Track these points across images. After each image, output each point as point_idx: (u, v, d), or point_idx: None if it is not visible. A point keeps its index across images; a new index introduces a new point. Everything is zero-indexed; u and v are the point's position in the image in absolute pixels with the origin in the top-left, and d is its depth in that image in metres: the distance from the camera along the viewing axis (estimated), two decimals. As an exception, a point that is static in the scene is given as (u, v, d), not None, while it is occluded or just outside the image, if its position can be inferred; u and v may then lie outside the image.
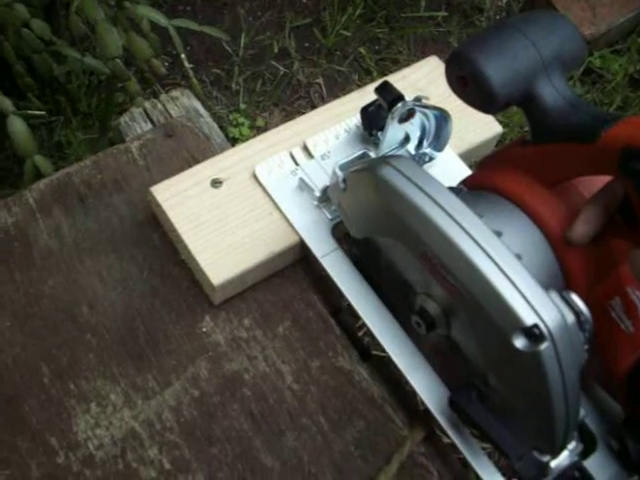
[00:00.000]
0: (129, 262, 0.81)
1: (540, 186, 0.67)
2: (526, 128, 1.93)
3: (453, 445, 0.72)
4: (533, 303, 0.55)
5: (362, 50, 2.09)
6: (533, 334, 0.55)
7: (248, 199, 0.82)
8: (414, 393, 0.74)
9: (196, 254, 0.77)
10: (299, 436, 0.74)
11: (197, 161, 0.87)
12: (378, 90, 0.80)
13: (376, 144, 0.85)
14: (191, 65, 1.87)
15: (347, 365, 0.78)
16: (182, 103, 0.98)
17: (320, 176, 0.83)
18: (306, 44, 2.10)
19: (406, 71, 0.95)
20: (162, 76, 1.37)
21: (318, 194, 0.81)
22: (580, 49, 0.68)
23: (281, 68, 2.03)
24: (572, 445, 0.69)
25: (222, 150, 0.90)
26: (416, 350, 0.76)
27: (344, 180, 0.72)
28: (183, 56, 1.24)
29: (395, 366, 0.75)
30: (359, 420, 0.75)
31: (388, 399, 0.77)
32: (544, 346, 0.55)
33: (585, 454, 0.72)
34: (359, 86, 1.99)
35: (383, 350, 0.76)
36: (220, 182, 0.82)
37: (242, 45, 2.05)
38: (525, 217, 0.68)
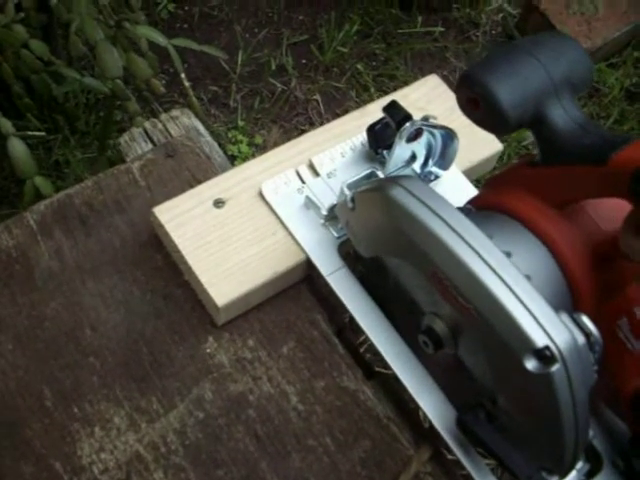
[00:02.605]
0: (132, 283, 0.81)
1: (549, 207, 0.67)
2: (524, 143, 1.94)
3: (459, 463, 0.72)
4: (544, 325, 0.55)
5: (359, 66, 2.10)
6: (544, 356, 0.54)
7: (251, 219, 0.81)
8: (419, 412, 0.74)
9: (200, 275, 0.77)
10: (305, 457, 0.73)
11: (199, 181, 0.87)
12: (386, 109, 0.80)
13: (382, 162, 0.85)
14: (189, 83, 1.87)
15: (352, 385, 0.77)
16: (182, 122, 0.97)
17: (326, 194, 0.83)
18: (303, 61, 2.10)
19: (406, 90, 0.95)
20: (161, 95, 1.37)
21: (324, 212, 0.81)
22: (588, 71, 0.68)
23: (279, 85, 2.03)
24: (579, 465, 0.69)
25: (223, 169, 0.90)
26: (423, 369, 0.75)
27: (352, 199, 0.72)
28: (183, 76, 1.24)
29: (401, 385, 0.75)
30: (365, 440, 0.75)
31: (393, 418, 0.76)
32: (555, 368, 0.54)
33: (591, 474, 0.72)
34: (357, 102, 2.00)
35: (388, 368, 0.75)
36: (223, 202, 0.82)
37: (239, 62, 2.05)
38: (534, 238, 0.67)
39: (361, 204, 0.71)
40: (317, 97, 2.02)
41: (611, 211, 0.65)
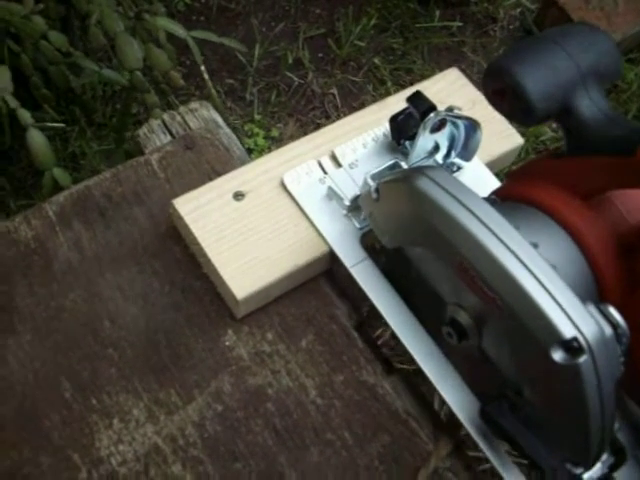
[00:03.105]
0: (150, 275, 0.81)
1: (575, 198, 0.67)
2: (542, 138, 1.93)
3: (479, 458, 0.72)
4: (572, 316, 0.55)
5: (376, 60, 2.09)
6: (572, 347, 0.54)
7: (271, 212, 0.81)
8: (439, 406, 0.74)
9: (219, 268, 0.76)
10: (323, 451, 0.73)
11: (217, 173, 0.87)
12: (410, 99, 0.80)
13: (404, 153, 0.84)
14: (208, 76, 1.87)
15: (371, 379, 0.77)
16: (201, 115, 0.97)
17: (349, 185, 0.83)
18: (320, 54, 2.10)
19: (426, 83, 0.95)
20: (179, 87, 1.37)
21: (347, 203, 0.80)
22: (616, 63, 0.68)
23: (295, 78, 2.03)
24: (604, 457, 0.68)
25: (242, 162, 0.90)
26: (446, 360, 0.75)
27: (377, 190, 0.71)
28: (203, 68, 1.23)
29: (422, 377, 0.74)
30: (384, 435, 0.74)
31: (413, 413, 0.76)
32: (583, 359, 0.54)
33: (615, 467, 0.71)
34: (374, 96, 1.99)
35: (407, 362, 0.75)
36: (242, 195, 0.81)
37: (256, 56, 2.05)
38: (560, 229, 0.67)
39: (386, 195, 0.71)
40: (334, 91, 2.02)
41: (637, 202, 0.66)
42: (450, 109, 0.79)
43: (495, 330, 0.63)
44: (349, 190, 0.82)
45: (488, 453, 0.71)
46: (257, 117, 1.93)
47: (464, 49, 2.17)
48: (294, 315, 0.80)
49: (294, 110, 1.97)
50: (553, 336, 0.55)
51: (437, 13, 2.20)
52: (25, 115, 0.99)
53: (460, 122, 0.81)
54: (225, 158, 0.90)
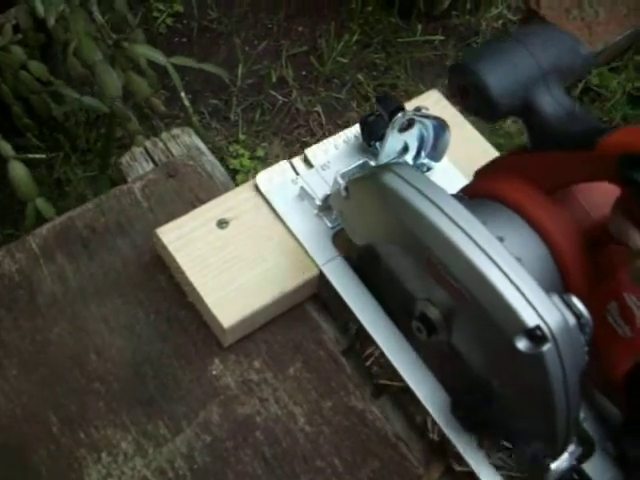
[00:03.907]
0: (135, 306, 0.80)
1: (540, 193, 0.68)
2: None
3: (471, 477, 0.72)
4: (535, 305, 0.56)
5: (360, 76, 2.09)
6: (535, 336, 0.56)
7: (255, 239, 0.81)
8: (431, 426, 0.74)
9: (205, 296, 0.76)
10: (314, 479, 0.72)
11: (201, 201, 0.87)
12: (379, 100, 0.82)
13: (375, 154, 0.85)
14: (189, 95, 1.86)
15: (360, 404, 0.77)
16: (183, 141, 0.97)
17: (320, 185, 0.84)
18: (303, 72, 2.10)
19: (406, 105, 0.94)
20: (162, 113, 1.37)
21: (319, 203, 0.82)
22: (579, 61, 0.69)
23: (279, 97, 2.03)
24: (572, 448, 0.68)
25: (226, 188, 0.90)
26: (417, 357, 0.76)
27: (346, 188, 0.73)
28: (183, 94, 1.23)
29: (411, 396, 0.75)
30: (373, 460, 0.74)
31: (402, 437, 0.75)
32: (546, 347, 0.56)
33: (583, 458, 0.71)
34: (358, 113, 1.99)
35: (395, 379, 0.75)
36: (226, 222, 0.81)
37: (239, 75, 2.04)
38: (525, 224, 0.68)
39: (355, 192, 0.72)
40: (318, 108, 2.02)
41: (601, 197, 0.66)
42: (418, 109, 0.80)
43: (464, 325, 0.64)
44: (321, 190, 0.83)
45: (459, 447, 0.72)
46: (242, 137, 1.92)
47: (447, 62, 2.17)
48: (281, 342, 0.79)
49: (279, 129, 1.97)
50: (517, 325, 0.56)
51: (419, 27, 2.21)
52: (6, 147, 0.98)
53: (428, 122, 0.82)
54: (208, 185, 0.90)
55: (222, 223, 0.81)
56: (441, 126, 0.82)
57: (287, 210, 0.83)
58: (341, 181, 0.74)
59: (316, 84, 2.07)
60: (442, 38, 2.22)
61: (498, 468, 0.72)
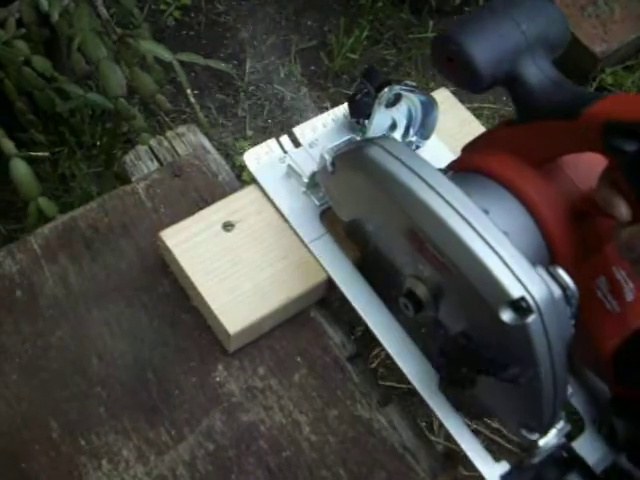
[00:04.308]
0: (138, 310, 0.79)
1: (526, 166, 0.68)
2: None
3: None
4: (520, 276, 0.56)
5: (369, 73, 2.07)
6: (520, 307, 0.56)
7: (262, 242, 0.80)
8: (437, 430, 0.74)
9: (210, 302, 0.75)
10: (318, 490, 0.71)
11: (206, 201, 0.85)
12: (364, 75, 0.81)
13: (363, 132, 0.85)
14: (195, 91, 1.85)
15: (366, 413, 0.75)
16: (189, 140, 0.95)
17: (308, 163, 0.84)
18: (312, 67, 2.08)
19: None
20: (167, 110, 1.35)
21: (306, 180, 0.81)
22: (564, 31, 0.70)
23: (287, 92, 2.01)
24: (560, 425, 0.68)
25: (231, 188, 0.88)
26: (405, 334, 0.76)
27: (332, 163, 0.73)
28: (189, 91, 1.21)
29: (420, 400, 0.73)
30: (380, 471, 0.73)
31: (409, 447, 0.74)
32: (531, 319, 0.55)
33: (573, 436, 0.72)
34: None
35: (402, 382, 0.74)
36: (232, 225, 0.80)
37: (247, 70, 2.03)
38: (512, 197, 0.68)
39: (340, 166, 0.72)
40: (327, 104, 2.00)
41: (588, 169, 0.66)
42: (405, 83, 0.80)
43: (450, 300, 0.64)
44: (308, 168, 0.83)
45: (447, 424, 0.71)
46: (249, 133, 1.90)
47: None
48: (286, 348, 0.78)
49: (286, 125, 1.95)
50: (502, 297, 0.56)
51: (430, 23, 2.18)
52: (8, 145, 0.97)
53: (415, 97, 0.82)
54: (213, 185, 0.88)
55: (228, 226, 0.80)
56: (430, 102, 0.82)
57: (275, 188, 0.83)
58: (327, 157, 0.74)
59: (325, 80, 2.05)
60: (453, 34, 2.20)
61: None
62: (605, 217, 0.62)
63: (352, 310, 0.77)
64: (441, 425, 0.73)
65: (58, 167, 1.63)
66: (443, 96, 0.95)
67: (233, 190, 0.86)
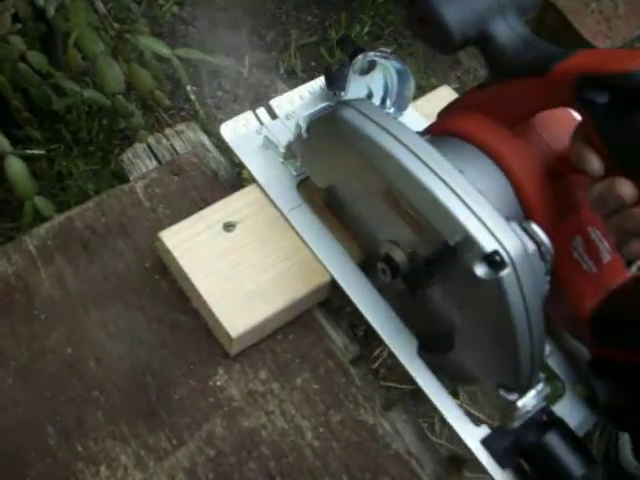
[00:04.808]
0: (137, 312, 0.77)
1: (499, 127, 0.69)
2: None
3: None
4: (494, 231, 0.57)
5: (370, 68, 2.05)
6: (494, 261, 0.56)
7: (264, 242, 0.78)
8: (439, 430, 0.73)
9: (211, 304, 0.73)
10: (321, 497, 0.70)
11: (205, 200, 0.84)
12: (339, 43, 0.84)
13: None
14: (194, 87, 1.83)
15: (369, 418, 0.74)
16: (188, 137, 0.93)
17: (285, 135, 0.84)
18: (313, 63, 2.06)
19: (419, 102, 0.93)
20: (166, 107, 1.33)
21: (282, 150, 0.82)
22: None
23: (287, 88, 1.99)
24: (539, 387, 0.68)
25: (231, 186, 0.87)
26: (385, 303, 0.76)
27: (308, 130, 0.74)
28: (189, 88, 1.20)
29: (424, 400, 0.73)
30: (384, 477, 0.71)
31: (414, 453, 0.73)
32: (505, 272, 0.56)
33: (553, 400, 0.73)
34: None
35: (407, 380, 0.74)
36: (233, 225, 0.78)
37: (247, 65, 2.01)
38: (486, 157, 0.69)
39: (315, 131, 0.74)
40: (327, 100, 1.98)
41: (561, 129, 0.67)
42: (380, 50, 0.81)
43: (425, 259, 0.64)
44: (285, 140, 0.83)
45: (426, 390, 0.71)
46: (249, 129, 1.88)
47: (460, 55, 2.13)
48: (288, 351, 0.76)
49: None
50: (475, 251, 0.57)
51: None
52: (3, 143, 0.95)
53: (390, 65, 0.82)
54: (213, 184, 0.87)
55: (228, 226, 0.78)
56: (405, 71, 0.83)
57: (251, 159, 0.84)
58: (303, 124, 0.75)
59: (325, 75, 2.03)
60: (454, 29, 2.18)
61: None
62: (579, 175, 0.63)
63: (355, 310, 0.76)
64: (443, 426, 0.73)
65: (54, 164, 1.62)
66: (446, 92, 0.95)
67: (234, 189, 0.84)
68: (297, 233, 0.78)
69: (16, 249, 0.80)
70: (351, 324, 0.81)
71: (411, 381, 0.73)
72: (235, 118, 0.86)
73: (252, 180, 0.83)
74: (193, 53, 1.12)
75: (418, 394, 0.73)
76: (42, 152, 1.35)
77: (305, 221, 0.79)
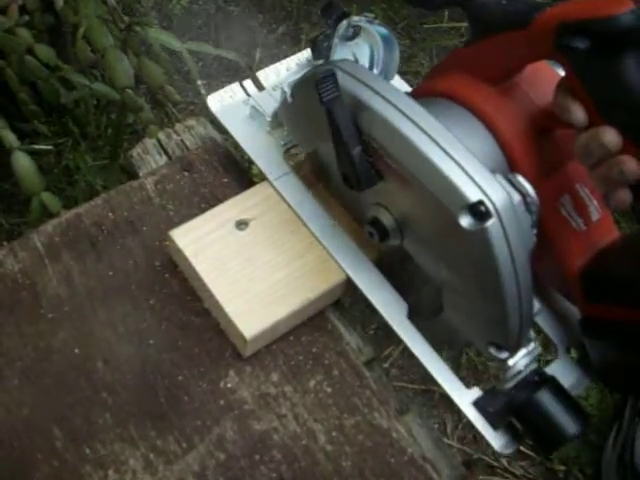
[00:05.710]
0: (146, 311, 0.76)
1: (483, 84, 0.69)
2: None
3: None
4: (478, 181, 0.57)
5: (382, 63, 2.03)
6: (479, 212, 0.56)
7: (277, 241, 0.77)
8: (452, 430, 0.72)
9: (224, 304, 0.72)
10: (334, 502, 0.68)
11: (216, 197, 0.83)
12: (323, 10, 0.82)
13: None
14: (204, 81, 1.81)
15: (384, 422, 0.72)
16: (198, 132, 0.92)
17: (271, 105, 0.84)
18: (324, 57, 2.04)
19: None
20: (176, 102, 1.32)
21: (269, 119, 0.82)
22: None
23: (297, 82, 1.98)
24: (531, 346, 0.68)
25: (242, 183, 0.85)
26: (375, 269, 0.76)
27: (292, 95, 0.75)
28: (199, 82, 1.18)
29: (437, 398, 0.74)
30: (398, 483, 0.70)
31: (429, 458, 0.71)
32: (490, 223, 0.56)
33: (545, 362, 0.73)
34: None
35: (419, 379, 0.73)
36: (246, 223, 0.77)
37: (257, 59, 1.99)
38: (471, 115, 0.69)
39: (299, 94, 0.74)
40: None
41: (546, 84, 0.67)
42: (364, 15, 0.81)
43: (413, 219, 0.66)
44: (272, 110, 0.83)
45: (417, 353, 0.71)
46: (259, 123, 1.87)
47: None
48: (301, 353, 0.75)
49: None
50: (460, 201, 0.57)
51: (446, 13, 2.14)
52: (10, 137, 0.93)
53: (375, 30, 0.81)
54: (224, 181, 0.85)
55: (241, 224, 0.77)
56: (390, 38, 0.82)
57: (238, 129, 0.84)
58: (287, 89, 0.76)
59: (336, 70, 2.02)
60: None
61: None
62: (564, 129, 0.63)
63: (366, 307, 0.75)
64: (455, 427, 0.71)
65: (62, 159, 1.60)
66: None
67: (245, 186, 0.83)
68: (310, 230, 0.78)
69: (23, 246, 0.79)
70: (362, 323, 0.79)
71: (422, 380, 0.72)
72: (222, 90, 0.87)
73: (251, 162, 0.84)
74: (203, 47, 1.11)
75: (429, 393, 0.72)
76: (49, 147, 1.33)
77: (291, 189, 0.80)
